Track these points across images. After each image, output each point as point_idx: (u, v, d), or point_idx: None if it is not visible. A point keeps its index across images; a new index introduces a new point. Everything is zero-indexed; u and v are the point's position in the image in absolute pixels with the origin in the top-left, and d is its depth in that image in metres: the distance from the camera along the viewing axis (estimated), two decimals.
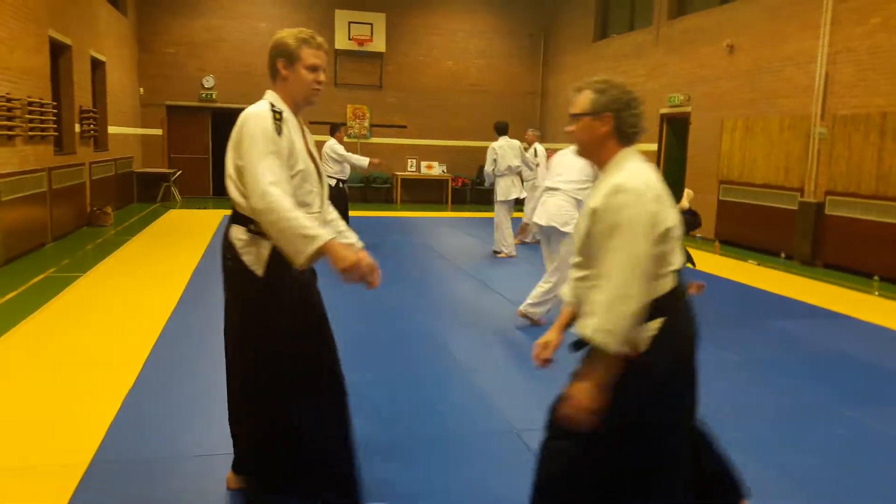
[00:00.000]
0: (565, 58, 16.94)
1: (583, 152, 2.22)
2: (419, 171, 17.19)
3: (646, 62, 13.63)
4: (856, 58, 8.88)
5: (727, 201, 11.17)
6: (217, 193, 16.44)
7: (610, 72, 14.83)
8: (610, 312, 1.92)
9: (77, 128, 10.64)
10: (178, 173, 15.47)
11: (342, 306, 6.25)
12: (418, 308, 6.23)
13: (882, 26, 8.54)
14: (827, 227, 9.07)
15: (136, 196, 14.73)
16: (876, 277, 8.06)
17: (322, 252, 2.32)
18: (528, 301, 5.72)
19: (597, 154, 2.18)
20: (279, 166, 2.38)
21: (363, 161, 9.13)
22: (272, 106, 2.51)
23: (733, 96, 11.14)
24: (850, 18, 8.98)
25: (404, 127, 17.01)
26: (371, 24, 16.23)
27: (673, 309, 2.05)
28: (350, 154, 9.16)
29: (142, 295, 6.36)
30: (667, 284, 2.04)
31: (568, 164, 5.64)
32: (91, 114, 11.34)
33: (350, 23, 16.22)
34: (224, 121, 16.31)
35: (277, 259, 2.46)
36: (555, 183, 5.63)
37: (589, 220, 2.06)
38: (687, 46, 12.38)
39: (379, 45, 16.42)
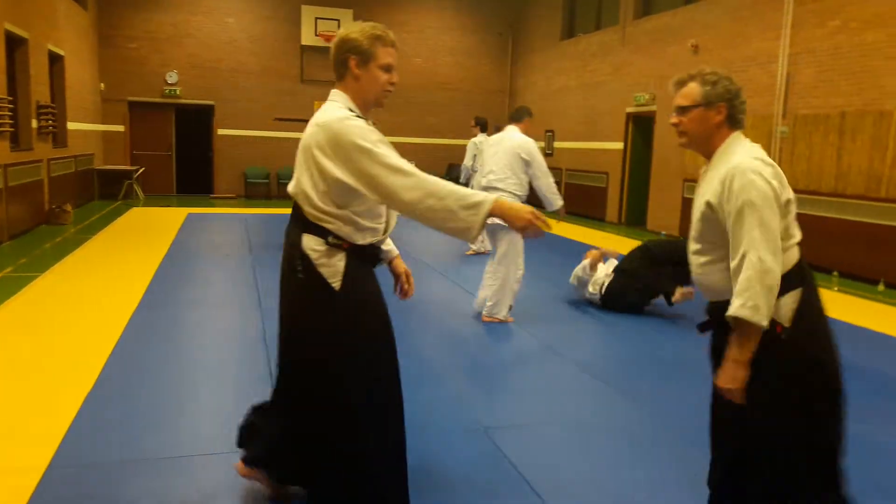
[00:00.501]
0: (533, 56, 17.00)
1: (692, 143, 2.27)
2: None
3: (612, 61, 13.74)
4: (816, 59, 9.05)
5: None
6: (181, 191, 16.20)
7: (577, 71, 14.94)
8: (754, 288, 1.99)
9: (34, 123, 10.38)
10: (141, 170, 15.20)
11: None
12: (389, 307, 6.19)
13: (841, 28, 8.72)
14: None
15: (98, 194, 14.44)
16: (835, 273, 8.23)
17: (491, 215, 2.18)
18: (488, 303, 5.75)
19: (708, 143, 2.24)
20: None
21: None
22: (350, 111, 2.37)
23: None
24: (810, 21, 9.15)
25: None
26: (338, 20, 16.10)
27: (805, 280, 2.13)
28: None
29: (102, 295, 6.23)
30: (793, 257, 2.13)
31: (495, 160, 5.73)
32: (49, 109, 11.08)
33: (317, 18, 16.09)
34: (188, 117, 16.09)
35: (353, 271, 2.37)
36: (489, 181, 5.71)
37: (707, 209, 2.16)
38: (653, 46, 12.51)
39: None
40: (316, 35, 16.06)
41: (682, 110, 2.24)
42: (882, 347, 5.58)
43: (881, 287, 7.78)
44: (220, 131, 16.17)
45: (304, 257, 2.34)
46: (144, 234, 9.87)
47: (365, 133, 2.24)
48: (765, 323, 2.00)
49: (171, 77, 15.63)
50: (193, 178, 16.28)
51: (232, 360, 4.66)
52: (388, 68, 2.39)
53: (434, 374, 4.51)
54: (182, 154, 16.29)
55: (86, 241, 9.15)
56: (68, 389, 3.96)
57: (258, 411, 2.84)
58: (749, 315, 1.98)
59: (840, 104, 8.65)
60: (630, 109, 13.05)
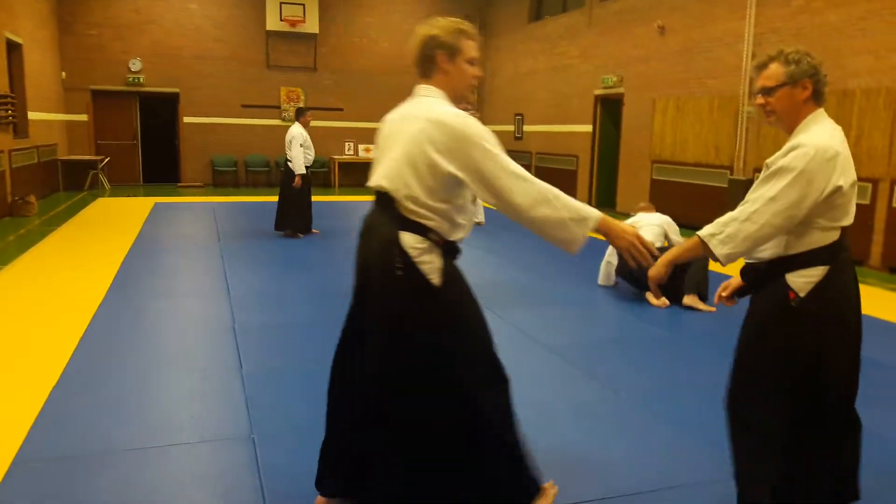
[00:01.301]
0: (501, 39, 16.96)
1: (780, 121, 2.33)
2: (357, 155, 17.02)
3: (579, 43, 13.75)
4: (780, 39, 9.14)
5: (659, 180, 11.41)
6: (148, 180, 15.95)
7: (544, 54, 14.94)
8: (729, 224, 2.19)
9: None
10: (106, 160, 14.92)
11: (279, 291, 6.16)
12: None
13: (804, 8, 8.81)
14: None
15: (62, 184, 14.16)
16: None
17: (596, 230, 2.22)
18: None
19: (794, 119, 2.30)
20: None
21: (299, 169, 8.95)
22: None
23: (664, 77, 11.36)
24: (774, 0, 9.24)
25: (340, 109, 16.80)
26: (303, 5, 15.91)
27: (836, 261, 2.22)
28: (297, 152, 8.93)
29: (68, 287, 6.12)
30: (831, 237, 2.21)
31: None
32: (8, 99, 10.80)
33: (282, 3, 15.86)
34: (153, 105, 15.82)
35: (448, 266, 2.34)
36: None
37: (763, 170, 2.24)
38: (619, 27, 12.54)
39: (312, 25, 16.12)
40: (281, 20, 15.84)
41: (768, 91, 2.30)
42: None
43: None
44: (186, 119, 15.92)
45: (403, 254, 2.27)
46: (111, 225, 9.71)
47: (484, 133, 2.23)
48: (712, 250, 2.20)
49: (135, 65, 15.33)
50: (160, 167, 16.03)
51: (200, 350, 4.62)
52: (473, 62, 2.40)
53: None
54: (148, 143, 16.02)
55: (50, 232, 8.98)
56: (33, 383, 3.89)
57: (333, 440, 2.67)
58: (705, 234, 2.22)
59: None
60: (598, 92, 13.10)
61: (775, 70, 2.28)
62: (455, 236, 2.37)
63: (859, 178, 8.75)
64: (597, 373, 4.34)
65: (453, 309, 2.36)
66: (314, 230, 9.36)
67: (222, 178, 16.20)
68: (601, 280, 6.61)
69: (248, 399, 3.73)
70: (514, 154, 15.87)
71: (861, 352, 2.32)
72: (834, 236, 2.22)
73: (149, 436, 3.28)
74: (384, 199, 2.34)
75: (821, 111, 2.30)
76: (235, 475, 2.95)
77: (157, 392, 3.87)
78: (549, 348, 4.76)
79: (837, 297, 2.24)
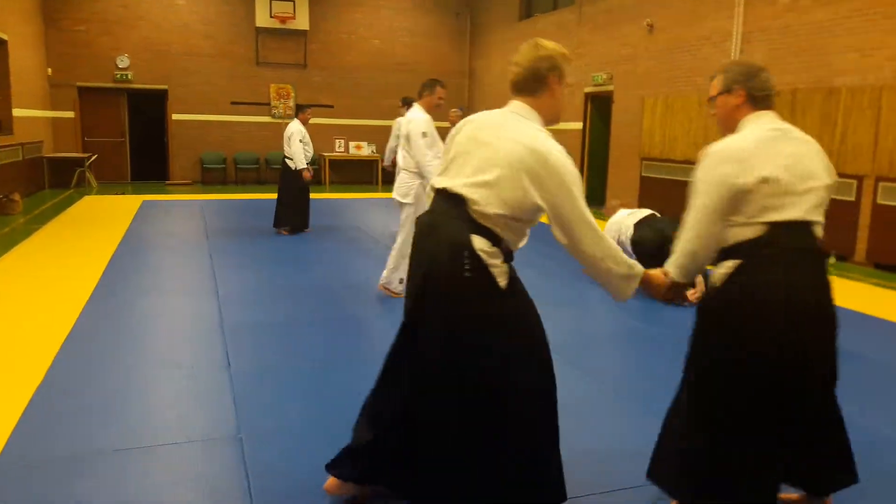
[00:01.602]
0: (491, 37, 16.95)
1: (723, 127, 2.49)
2: (347, 152, 16.98)
3: (569, 41, 13.75)
4: (768, 37, 9.18)
5: (649, 177, 11.45)
6: (136, 178, 15.86)
7: None
8: (678, 252, 2.44)
9: None
10: (94, 158, 14.82)
11: (268, 289, 6.14)
12: (348, 291, 6.17)
13: (790, 7, 8.86)
14: (881, 220, 9.13)
15: (48, 182, 14.05)
16: None
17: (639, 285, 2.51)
18: (384, 272, 6.00)
19: (730, 125, 2.46)
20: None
21: (300, 164, 8.99)
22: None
23: (653, 75, 11.39)
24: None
25: (331, 107, 16.74)
26: (293, 2, 15.84)
27: (751, 255, 2.27)
28: (298, 147, 8.95)
29: (54, 285, 6.08)
30: (749, 233, 2.28)
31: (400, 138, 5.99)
32: None
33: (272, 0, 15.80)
34: (141, 102, 15.73)
35: (511, 271, 2.43)
36: (400, 164, 6.08)
37: None
38: (609, 26, 12.56)
39: (302, 22, 16.05)
40: (271, 17, 15.77)
41: (710, 100, 2.51)
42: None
43: (832, 260, 7.98)
44: (175, 116, 15.83)
45: (475, 257, 2.30)
46: (98, 223, 9.65)
47: (576, 178, 2.34)
48: (679, 278, 2.50)
49: (123, 61, 15.23)
50: (148, 165, 15.94)
51: (188, 348, 4.59)
52: (567, 85, 2.55)
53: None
54: (136, 140, 15.92)
55: (36, 231, 8.92)
56: (17, 383, 3.86)
57: (369, 432, 2.65)
58: (671, 269, 2.51)
59: (791, 81, 8.81)
60: (588, 89, 13.12)
61: (715, 81, 2.49)
62: (518, 247, 2.47)
63: (844, 175, 8.85)
64: (591, 368, 4.35)
65: (516, 312, 2.43)
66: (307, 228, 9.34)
67: (211, 176, 16.13)
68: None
69: (236, 398, 3.72)
70: None
71: (810, 348, 2.28)
72: (753, 232, 2.27)
73: (134, 436, 3.26)
74: (454, 200, 2.36)
75: (761, 113, 2.42)
76: (223, 475, 2.94)
77: (144, 392, 3.85)
78: None
79: (750, 294, 2.24)
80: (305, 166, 8.97)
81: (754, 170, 2.24)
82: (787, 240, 2.25)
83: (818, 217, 2.31)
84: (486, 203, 2.30)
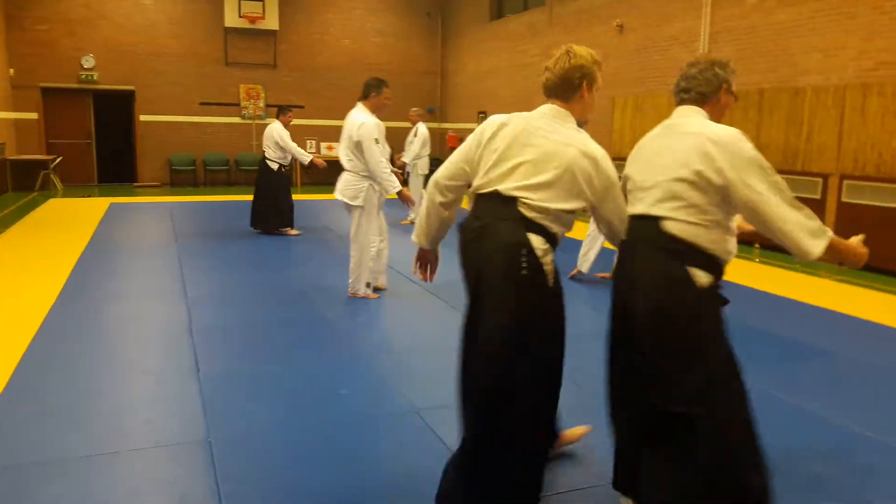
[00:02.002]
0: (463, 37, 16.97)
1: None
2: (319, 153, 16.87)
3: (540, 42, 13.83)
4: (735, 37, 9.31)
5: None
6: (103, 180, 15.59)
7: (506, 52, 15.00)
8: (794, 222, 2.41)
9: None
10: (59, 160, 14.54)
11: (238, 291, 6.07)
12: (319, 293, 6.12)
13: (757, 8, 8.98)
14: None
15: (11, 185, 13.77)
16: (756, 245, 8.52)
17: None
18: (349, 280, 5.89)
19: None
20: None
21: (305, 157, 9.14)
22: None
23: (623, 75, 11.48)
24: (728, 0, 9.41)
25: (302, 107, 16.62)
26: (263, 1, 15.71)
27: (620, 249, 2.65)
28: (294, 145, 9.03)
29: (17, 291, 5.95)
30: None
31: (343, 140, 5.73)
32: None
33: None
34: (107, 103, 15.47)
35: (556, 268, 2.52)
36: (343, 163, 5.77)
37: None
38: (579, 26, 12.64)
39: (272, 22, 15.92)
40: (240, 17, 15.62)
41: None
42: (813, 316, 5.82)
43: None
44: (143, 117, 15.60)
45: (531, 254, 2.38)
46: (63, 226, 9.47)
47: (617, 176, 2.53)
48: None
49: (87, 61, 14.97)
50: (115, 167, 15.69)
51: (156, 352, 4.52)
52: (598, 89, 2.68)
53: (365, 357, 4.48)
54: (102, 142, 15.66)
55: None
56: None
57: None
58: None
59: (758, 81, 8.93)
60: None
61: None
62: (561, 238, 2.54)
63: (810, 174, 8.96)
64: (570, 366, 4.34)
65: (561, 310, 2.54)
66: (289, 230, 9.32)
67: (180, 178, 15.92)
68: (586, 267, 6.65)
69: (205, 402, 3.66)
70: None
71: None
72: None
73: (100, 442, 3.20)
74: (505, 202, 2.43)
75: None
76: (191, 480, 2.89)
77: (110, 397, 3.78)
78: None
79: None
80: (311, 156, 9.27)
81: (626, 167, 2.57)
82: (631, 233, 2.50)
83: (663, 212, 2.35)
84: (544, 201, 2.41)
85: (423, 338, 5.01)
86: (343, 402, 3.75)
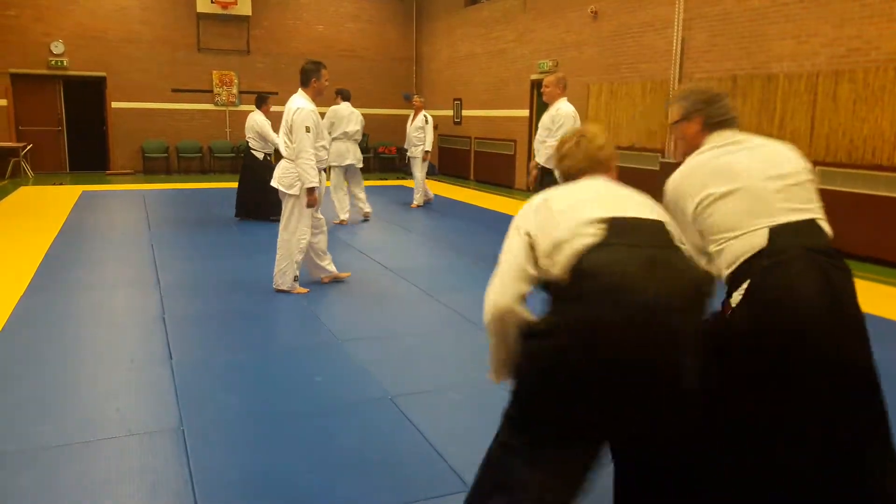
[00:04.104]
0: (438, 23, 16.88)
1: (686, 153, 2.42)
2: None
3: (515, 28, 13.80)
4: (708, 24, 9.36)
5: None
6: (74, 168, 15.34)
7: (481, 38, 14.95)
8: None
9: None
10: (29, 147, 14.29)
11: (212, 279, 6.02)
12: None
13: None
14: None
15: None
16: None
17: None
18: (275, 272, 5.66)
19: (692, 150, 2.39)
20: None
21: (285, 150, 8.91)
22: None
23: (598, 62, 11.50)
24: None
25: (275, 94, 16.37)
26: None
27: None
28: (275, 135, 8.79)
29: None
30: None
31: (282, 126, 5.63)
32: None
33: None
34: (78, 90, 15.21)
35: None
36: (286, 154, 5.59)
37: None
38: (554, 13, 12.62)
39: (244, 8, 15.72)
40: (212, 2, 15.39)
41: (672, 126, 2.49)
42: None
43: None
44: (115, 104, 15.35)
45: None
46: (34, 214, 9.32)
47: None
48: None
49: (57, 47, 14.68)
50: (87, 154, 15.43)
51: (128, 341, 4.48)
52: None
53: (339, 344, 4.47)
54: (74, 129, 15.39)
55: None
56: None
57: None
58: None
59: (731, 68, 9.00)
60: (534, 76, 13.17)
61: (674, 109, 2.46)
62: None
63: None
64: None
65: None
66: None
67: (153, 165, 15.71)
68: None
69: (178, 390, 3.64)
70: (453, 139, 15.91)
71: None
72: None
73: (72, 431, 3.17)
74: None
75: (715, 134, 2.35)
76: (164, 468, 2.88)
77: (81, 386, 3.74)
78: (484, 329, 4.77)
79: None
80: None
81: (706, 188, 2.25)
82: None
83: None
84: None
85: (397, 325, 5.01)
86: (317, 390, 3.75)
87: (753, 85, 8.67)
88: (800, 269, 2.01)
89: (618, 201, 2.01)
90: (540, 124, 6.43)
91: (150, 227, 8.60)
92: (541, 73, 12.96)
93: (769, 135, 8.86)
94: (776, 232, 2.06)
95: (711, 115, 2.37)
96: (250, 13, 15.86)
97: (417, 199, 10.91)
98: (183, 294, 5.56)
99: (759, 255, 2.05)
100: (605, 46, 11.33)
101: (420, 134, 10.71)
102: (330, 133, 9.08)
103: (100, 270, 6.35)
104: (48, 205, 10.22)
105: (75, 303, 5.27)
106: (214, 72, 16.01)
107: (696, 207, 2.21)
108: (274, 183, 5.57)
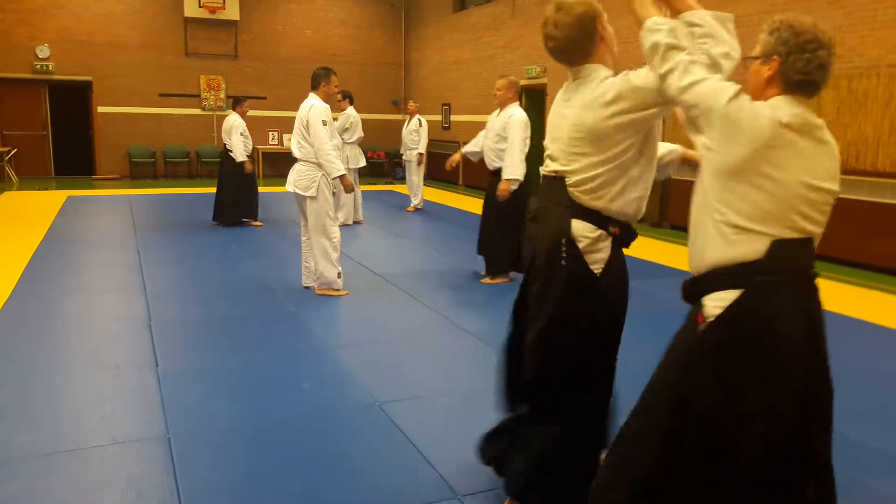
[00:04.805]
0: (426, 28, 16.90)
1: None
2: (281, 144, 16.68)
3: (503, 34, 13.84)
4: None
5: None
6: (60, 173, 15.24)
7: (470, 44, 14.99)
8: None
9: None
10: (13, 152, 14.18)
11: (198, 285, 5.99)
12: (279, 286, 6.07)
13: (713, 3, 9.08)
14: (671, 192, 9.65)
15: None
16: None
17: None
18: (317, 278, 5.73)
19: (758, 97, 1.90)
20: None
21: (240, 156, 9.03)
22: None
23: None
24: None
25: (264, 98, 16.41)
26: None
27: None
28: (237, 139, 8.92)
29: None
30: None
31: (295, 129, 5.67)
32: None
33: None
34: (63, 94, 15.12)
35: (614, 260, 2.34)
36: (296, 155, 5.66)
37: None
38: (541, 18, 12.65)
39: (232, 12, 15.68)
40: (200, 6, 15.34)
41: (745, 60, 1.97)
42: None
43: None
44: (101, 109, 15.26)
45: (571, 244, 2.30)
46: (19, 220, 9.24)
47: None
48: None
49: (42, 51, 14.59)
50: (73, 159, 15.33)
51: (114, 347, 4.44)
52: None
53: (327, 350, 4.46)
54: (59, 134, 15.29)
55: None
56: None
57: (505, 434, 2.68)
58: None
59: None
60: (523, 82, 13.20)
61: (761, 40, 1.95)
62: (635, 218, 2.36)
63: None
64: None
65: (610, 307, 2.37)
66: (252, 221, 9.34)
67: (140, 170, 15.62)
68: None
69: (164, 397, 3.62)
70: (442, 144, 15.93)
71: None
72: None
73: (55, 440, 3.14)
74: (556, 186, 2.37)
75: (784, 98, 1.89)
76: (150, 477, 2.85)
77: (67, 393, 3.71)
78: (473, 334, 4.77)
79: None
80: (246, 158, 9.04)
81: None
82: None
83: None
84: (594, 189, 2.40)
85: (385, 330, 5.00)
86: (304, 396, 3.73)
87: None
88: (789, 296, 1.83)
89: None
90: (490, 128, 6.26)
91: (136, 232, 8.55)
92: (529, 78, 13.00)
93: None
94: (778, 247, 1.82)
95: (791, 67, 1.85)
96: (238, 18, 15.83)
97: (416, 203, 11.04)
98: (169, 300, 5.53)
99: (753, 266, 1.83)
100: None
101: (415, 137, 10.96)
102: (345, 138, 9.17)
103: (85, 276, 6.31)
104: (33, 210, 10.15)
105: (60, 309, 5.23)
106: (202, 76, 15.95)
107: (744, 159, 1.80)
108: (289, 187, 5.61)
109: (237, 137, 8.92)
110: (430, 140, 15.81)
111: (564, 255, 2.29)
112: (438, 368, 4.23)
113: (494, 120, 6.26)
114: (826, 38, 1.87)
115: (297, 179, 5.54)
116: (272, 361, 4.25)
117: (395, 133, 15.66)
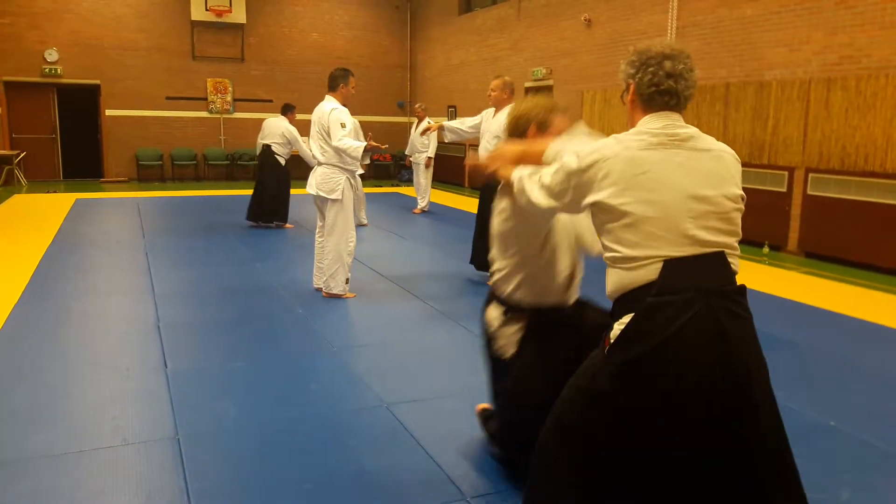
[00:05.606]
0: (432, 31, 16.93)
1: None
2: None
3: (509, 36, 13.86)
4: (701, 32, 9.42)
5: None
6: (68, 176, 15.31)
7: (475, 46, 15.00)
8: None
9: None
10: (23, 155, 14.26)
11: (206, 287, 6.01)
12: (286, 288, 6.08)
13: (723, 2, 9.09)
14: None
15: None
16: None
17: None
18: (325, 279, 5.72)
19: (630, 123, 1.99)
20: None
21: (312, 161, 9.02)
22: None
23: (592, 69, 11.55)
24: None
25: (270, 101, 16.46)
26: None
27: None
28: (304, 147, 8.69)
29: None
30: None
31: (314, 133, 5.65)
32: None
33: None
34: (72, 97, 15.20)
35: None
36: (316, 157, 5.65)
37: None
38: (548, 20, 12.68)
39: (239, 16, 15.74)
40: (206, 10, 15.41)
41: (622, 99, 2.06)
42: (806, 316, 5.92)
43: (766, 250, 8.24)
44: (109, 112, 15.34)
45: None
46: (28, 223, 9.29)
47: None
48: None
49: (51, 55, 14.67)
50: (81, 162, 15.41)
51: (123, 349, 4.46)
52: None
53: (335, 352, 4.47)
54: (68, 137, 15.37)
55: None
56: None
57: None
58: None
59: (724, 75, 9.05)
60: (528, 84, 13.22)
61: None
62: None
63: (776, 167, 9.14)
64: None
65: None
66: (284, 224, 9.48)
67: (147, 173, 15.69)
68: None
69: (173, 399, 3.63)
70: (448, 146, 15.93)
71: None
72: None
73: (67, 441, 3.15)
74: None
75: (649, 117, 1.93)
76: (159, 478, 2.86)
77: (76, 395, 3.73)
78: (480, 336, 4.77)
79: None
80: (314, 160, 9.16)
81: (602, 189, 1.99)
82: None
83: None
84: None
85: (394, 333, 5.01)
86: (313, 398, 3.74)
87: (746, 92, 8.72)
88: (689, 316, 1.78)
89: None
90: (487, 130, 6.19)
91: (144, 234, 8.59)
92: (535, 80, 13.00)
93: (762, 142, 8.91)
94: (671, 266, 1.81)
95: (640, 85, 1.92)
96: (245, 21, 15.89)
97: (422, 205, 11.11)
98: (178, 302, 5.55)
99: (647, 288, 1.82)
100: (598, 54, 11.38)
101: (424, 139, 11.00)
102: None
103: (94, 278, 6.33)
104: (42, 213, 10.20)
105: (69, 311, 5.26)
106: (209, 79, 16.02)
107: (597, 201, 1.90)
108: (312, 190, 5.61)
109: (303, 145, 8.82)
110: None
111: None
112: (447, 370, 4.24)
113: (490, 121, 6.22)
114: (676, 51, 1.91)
115: (320, 182, 5.54)
116: (280, 363, 4.26)
117: (401, 135, 15.68)
